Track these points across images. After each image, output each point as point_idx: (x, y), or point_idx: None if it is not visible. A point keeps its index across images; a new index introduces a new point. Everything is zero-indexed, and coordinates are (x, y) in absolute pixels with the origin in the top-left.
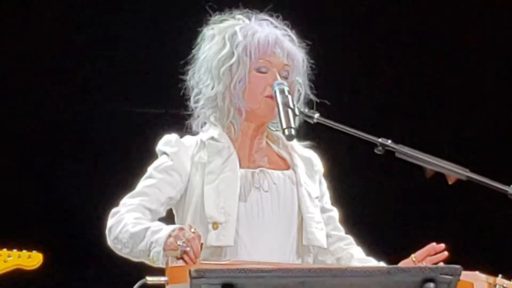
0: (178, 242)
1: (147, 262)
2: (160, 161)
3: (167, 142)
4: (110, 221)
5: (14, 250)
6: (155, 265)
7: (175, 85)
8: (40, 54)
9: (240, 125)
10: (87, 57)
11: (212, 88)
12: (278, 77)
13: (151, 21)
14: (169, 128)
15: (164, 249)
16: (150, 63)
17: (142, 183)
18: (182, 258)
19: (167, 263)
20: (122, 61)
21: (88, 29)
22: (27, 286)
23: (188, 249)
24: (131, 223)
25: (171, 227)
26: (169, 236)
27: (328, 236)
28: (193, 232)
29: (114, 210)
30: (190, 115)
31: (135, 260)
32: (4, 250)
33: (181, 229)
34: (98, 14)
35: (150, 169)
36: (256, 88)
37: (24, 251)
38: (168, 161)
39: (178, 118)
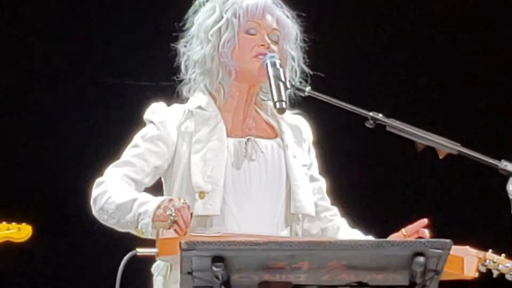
0: (168, 212)
1: (134, 233)
2: (146, 130)
3: (154, 111)
4: (95, 191)
5: (4, 223)
6: (143, 236)
7: (167, 57)
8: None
9: (230, 86)
10: (85, 30)
11: (201, 49)
12: (267, 38)
13: None
14: (159, 99)
15: (153, 220)
16: (144, 36)
17: (128, 152)
18: (172, 228)
19: (157, 235)
20: (117, 36)
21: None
22: (16, 257)
23: (177, 218)
24: (117, 194)
25: (160, 198)
26: (158, 207)
27: (315, 205)
28: (183, 203)
29: (98, 179)
30: (181, 81)
31: (122, 230)
32: None
33: (170, 200)
34: None
35: (137, 137)
36: (244, 48)
37: (13, 223)
38: (155, 130)
39: (170, 90)
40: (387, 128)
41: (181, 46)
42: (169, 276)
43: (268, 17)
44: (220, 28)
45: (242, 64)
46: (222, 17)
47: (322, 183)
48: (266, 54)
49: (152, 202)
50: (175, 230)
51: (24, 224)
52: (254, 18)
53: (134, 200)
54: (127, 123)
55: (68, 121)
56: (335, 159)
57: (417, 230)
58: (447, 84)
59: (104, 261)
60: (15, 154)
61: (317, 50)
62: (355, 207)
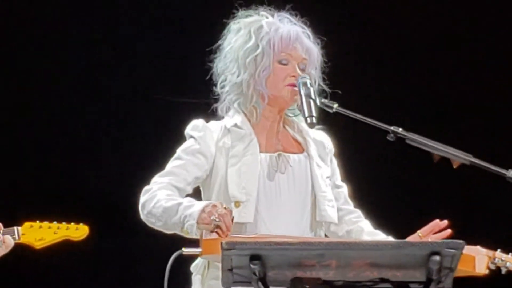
0: (212, 217)
1: (180, 233)
2: (188, 144)
3: (195, 127)
4: (143, 198)
5: (63, 223)
6: (188, 236)
7: (203, 77)
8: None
9: (262, 109)
10: (132, 50)
11: (238, 76)
12: (297, 69)
13: (183, 17)
14: (196, 116)
15: (197, 222)
16: (182, 57)
17: (171, 164)
18: (215, 231)
19: (201, 236)
20: (160, 56)
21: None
22: (73, 255)
23: (220, 223)
24: (163, 199)
25: (204, 202)
26: (203, 211)
27: (339, 209)
28: (225, 209)
29: (146, 187)
30: (216, 100)
31: (167, 232)
32: (54, 222)
33: (214, 205)
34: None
35: (179, 151)
36: (278, 77)
37: (72, 223)
38: (195, 144)
39: (206, 107)
40: (406, 141)
41: (216, 64)
42: (206, 274)
43: (299, 48)
44: (256, 56)
45: (275, 91)
46: (258, 45)
47: (345, 189)
48: (297, 80)
49: (196, 205)
50: (217, 232)
51: (81, 224)
52: (287, 49)
53: (179, 204)
54: (172, 137)
55: (120, 134)
56: (358, 168)
57: (430, 231)
58: (460, 100)
59: (151, 260)
60: (74, 165)
61: (339, 69)
62: (377, 210)
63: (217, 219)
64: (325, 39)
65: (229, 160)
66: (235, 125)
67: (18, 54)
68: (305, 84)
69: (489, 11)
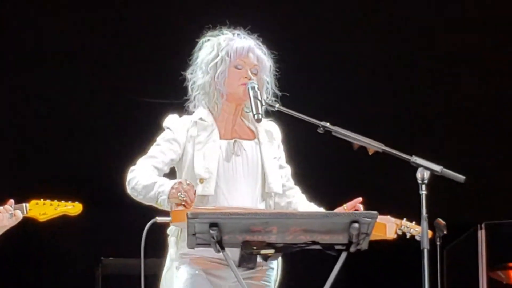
0: (179, 194)
1: (156, 205)
2: (165, 134)
3: (170, 120)
4: (129, 176)
5: (62, 201)
6: (162, 208)
7: (178, 81)
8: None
9: (222, 104)
10: (116, 57)
11: (202, 78)
12: (249, 72)
13: (165, 32)
14: (172, 112)
15: (168, 197)
16: (162, 65)
17: (152, 149)
18: (182, 204)
19: (171, 208)
20: (141, 63)
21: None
22: (70, 224)
23: (186, 198)
24: (144, 178)
25: (173, 181)
26: (172, 188)
27: (282, 185)
28: (188, 185)
29: (132, 168)
30: (188, 100)
31: (147, 203)
32: (55, 201)
33: (180, 183)
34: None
35: (158, 139)
36: (233, 79)
37: (69, 201)
38: (171, 133)
39: (180, 106)
40: (333, 133)
41: (188, 73)
42: (179, 237)
43: (251, 56)
44: (216, 63)
45: (231, 89)
46: (218, 55)
47: (288, 169)
48: (247, 82)
49: (168, 184)
50: (183, 205)
51: (76, 203)
52: (241, 57)
53: (155, 183)
54: (153, 129)
55: (108, 126)
56: (298, 153)
57: (354, 206)
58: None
59: (130, 228)
60: (70, 152)
61: (286, 77)
62: (312, 187)
63: (183, 195)
64: (276, 52)
65: (195, 146)
66: (200, 118)
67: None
68: (253, 88)
69: None
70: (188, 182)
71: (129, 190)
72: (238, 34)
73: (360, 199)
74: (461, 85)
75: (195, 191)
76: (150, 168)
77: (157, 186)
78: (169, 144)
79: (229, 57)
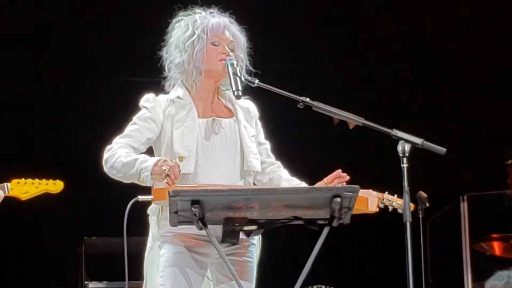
0: (163, 168)
1: (136, 182)
2: (141, 113)
3: (147, 99)
4: (106, 155)
5: (43, 180)
6: (143, 184)
7: (156, 59)
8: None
9: (200, 82)
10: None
11: (180, 57)
12: (227, 48)
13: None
14: (148, 91)
15: (151, 173)
16: (141, 44)
17: (128, 128)
18: (166, 180)
19: (152, 186)
20: (120, 42)
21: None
22: (52, 204)
23: (170, 173)
24: (123, 155)
25: (156, 158)
26: (155, 164)
27: (262, 162)
28: (174, 162)
29: (108, 146)
30: (164, 78)
31: (126, 181)
32: (36, 179)
33: (165, 160)
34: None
35: (135, 118)
36: (211, 55)
37: (50, 180)
38: (147, 113)
39: (158, 85)
40: (313, 108)
41: (164, 53)
42: (160, 216)
43: (227, 33)
44: (193, 41)
45: (210, 66)
46: (194, 33)
47: (267, 145)
48: (226, 58)
49: (150, 160)
50: (167, 182)
51: (58, 180)
52: (217, 34)
53: (136, 160)
54: (133, 107)
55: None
56: (278, 129)
57: (334, 179)
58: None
59: (112, 206)
60: (51, 131)
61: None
62: (293, 162)
63: (168, 169)
64: (246, 26)
65: (174, 124)
66: (178, 97)
67: None
68: (232, 64)
69: None
70: (174, 161)
71: (106, 169)
72: (211, 12)
73: (339, 170)
74: (441, 58)
75: (179, 169)
76: (127, 147)
77: (139, 163)
78: (145, 123)
79: (206, 34)
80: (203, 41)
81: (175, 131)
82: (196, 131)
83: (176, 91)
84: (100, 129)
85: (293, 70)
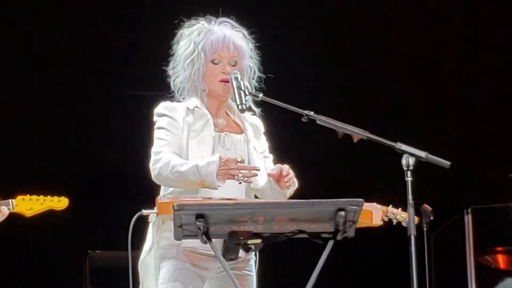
0: (232, 173)
1: (196, 186)
2: (167, 120)
3: (166, 107)
4: (158, 164)
5: (48, 196)
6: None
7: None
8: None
9: (206, 98)
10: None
11: (181, 75)
12: (227, 67)
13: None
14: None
15: (216, 177)
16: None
17: (163, 135)
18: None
19: (156, 200)
20: (127, 59)
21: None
22: (56, 218)
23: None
24: (178, 164)
25: (216, 161)
26: (220, 169)
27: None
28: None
29: (155, 158)
30: (170, 93)
31: (182, 187)
32: (41, 196)
33: (226, 162)
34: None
35: (163, 125)
36: (211, 74)
37: (55, 196)
38: (172, 120)
39: (162, 99)
40: (317, 122)
41: (170, 68)
42: (161, 224)
43: (227, 47)
44: (193, 59)
45: (211, 86)
46: (195, 50)
47: (271, 158)
48: (228, 81)
49: (212, 165)
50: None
51: (62, 197)
52: (217, 51)
53: (194, 166)
54: (138, 122)
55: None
56: (282, 142)
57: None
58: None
59: (117, 220)
60: (56, 147)
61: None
62: (297, 176)
63: (241, 176)
64: (256, 35)
65: (190, 133)
66: (196, 107)
67: None
68: (236, 78)
69: None
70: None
71: (162, 178)
72: (215, 22)
73: (285, 166)
74: (445, 70)
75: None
76: (174, 155)
77: (199, 170)
78: (175, 130)
79: (205, 52)
80: (201, 60)
81: (191, 140)
82: (211, 144)
83: (193, 101)
84: (105, 144)
85: (296, 82)
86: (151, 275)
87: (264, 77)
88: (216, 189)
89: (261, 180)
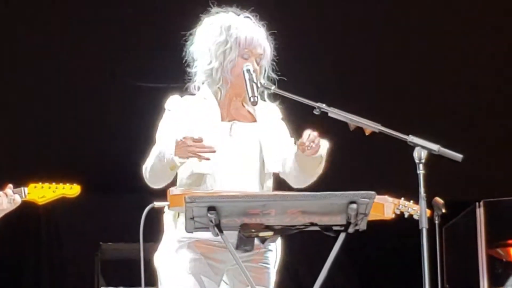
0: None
1: (171, 173)
2: (169, 116)
3: (172, 101)
4: (143, 168)
5: (60, 184)
6: (176, 170)
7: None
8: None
9: (225, 90)
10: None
11: (209, 63)
12: (255, 62)
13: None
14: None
15: (174, 154)
16: (160, 49)
17: (160, 134)
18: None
19: (168, 192)
20: (137, 49)
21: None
22: (69, 210)
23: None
24: (147, 162)
25: (171, 143)
26: (176, 147)
27: (288, 156)
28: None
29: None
30: (184, 85)
31: (168, 181)
32: (53, 183)
33: (184, 139)
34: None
35: (163, 122)
36: (240, 68)
37: (67, 184)
38: (174, 115)
39: (174, 91)
40: (329, 114)
41: (190, 51)
42: (177, 217)
43: (258, 47)
44: (225, 50)
45: (235, 79)
46: (228, 41)
47: (292, 140)
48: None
49: (168, 147)
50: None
51: (75, 185)
52: (249, 47)
53: (154, 155)
54: (151, 113)
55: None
56: (295, 135)
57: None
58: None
59: (129, 212)
60: (68, 136)
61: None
62: None
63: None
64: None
65: (196, 124)
66: (204, 99)
67: None
68: (248, 70)
69: None
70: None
71: (147, 181)
72: (246, 17)
73: (312, 134)
74: (458, 64)
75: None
76: None
77: (159, 155)
78: (174, 126)
79: (238, 46)
80: (235, 53)
81: (196, 131)
82: (217, 133)
83: (203, 92)
84: (117, 135)
85: (308, 75)
86: (167, 267)
87: (277, 78)
88: (178, 166)
89: (275, 165)
